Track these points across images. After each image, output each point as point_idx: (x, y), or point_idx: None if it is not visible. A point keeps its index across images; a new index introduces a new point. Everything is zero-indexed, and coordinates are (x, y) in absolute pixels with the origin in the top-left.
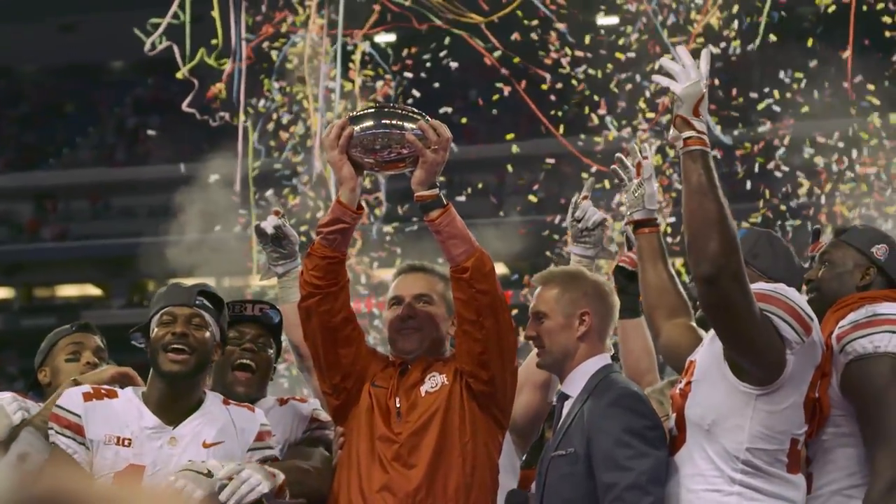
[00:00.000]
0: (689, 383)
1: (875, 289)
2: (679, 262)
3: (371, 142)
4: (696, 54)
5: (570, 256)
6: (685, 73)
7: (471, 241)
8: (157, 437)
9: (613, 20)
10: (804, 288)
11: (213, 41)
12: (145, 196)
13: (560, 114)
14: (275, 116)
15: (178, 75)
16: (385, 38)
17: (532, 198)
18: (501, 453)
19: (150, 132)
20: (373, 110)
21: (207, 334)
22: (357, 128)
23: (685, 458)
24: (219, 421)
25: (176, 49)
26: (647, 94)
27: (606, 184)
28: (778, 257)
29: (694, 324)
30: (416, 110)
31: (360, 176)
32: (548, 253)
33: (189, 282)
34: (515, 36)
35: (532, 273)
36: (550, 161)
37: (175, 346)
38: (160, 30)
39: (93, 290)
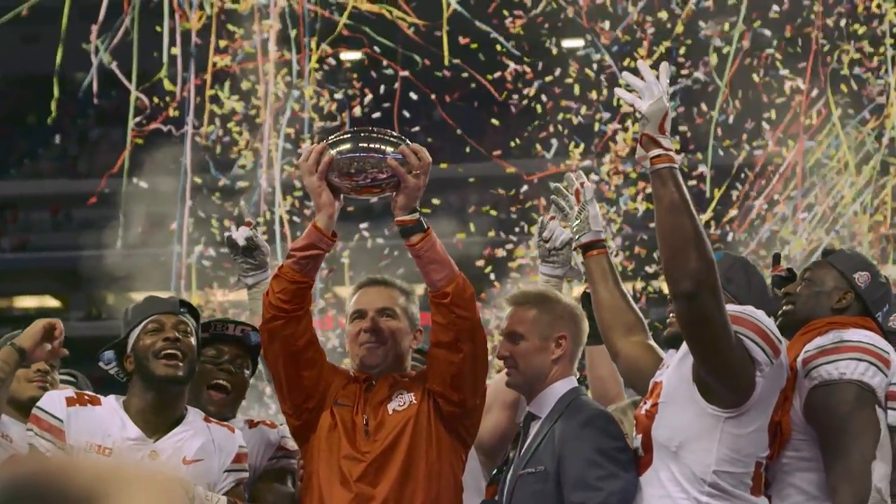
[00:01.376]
0: (655, 405)
1: (850, 314)
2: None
3: (349, 166)
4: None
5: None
6: (648, 89)
7: (451, 266)
8: (138, 449)
9: (578, 42)
10: (782, 302)
11: (161, 52)
12: (106, 208)
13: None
14: (221, 133)
15: (131, 97)
16: (350, 55)
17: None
18: (468, 473)
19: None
20: (350, 134)
21: (194, 341)
22: (335, 152)
23: (652, 479)
24: (200, 438)
25: (116, 69)
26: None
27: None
28: (751, 284)
29: (652, 342)
30: (395, 134)
31: (339, 202)
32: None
33: (142, 295)
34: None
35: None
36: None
37: (168, 351)
38: (126, 35)
39: (51, 302)
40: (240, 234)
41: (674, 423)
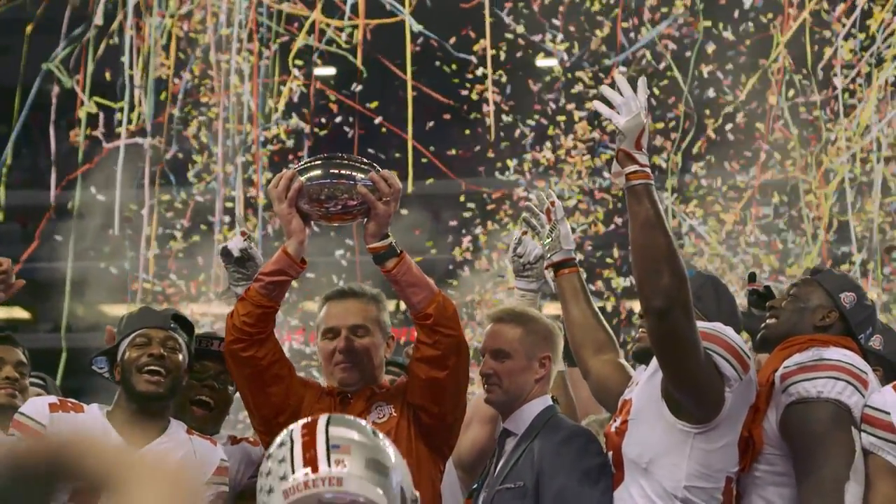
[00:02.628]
0: (625, 422)
1: (832, 333)
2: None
3: (319, 192)
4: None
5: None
6: (626, 105)
7: (430, 287)
8: None
9: (552, 62)
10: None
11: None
12: (77, 220)
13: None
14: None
15: (82, 112)
16: (324, 71)
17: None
18: (446, 488)
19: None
20: (321, 161)
21: (181, 357)
22: (305, 178)
23: (623, 495)
24: (182, 449)
25: (77, 87)
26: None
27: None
28: (721, 303)
29: (622, 360)
30: (365, 160)
31: (309, 228)
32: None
33: (122, 309)
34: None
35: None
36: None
37: (151, 367)
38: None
39: (20, 314)
40: (235, 244)
41: (643, 440)
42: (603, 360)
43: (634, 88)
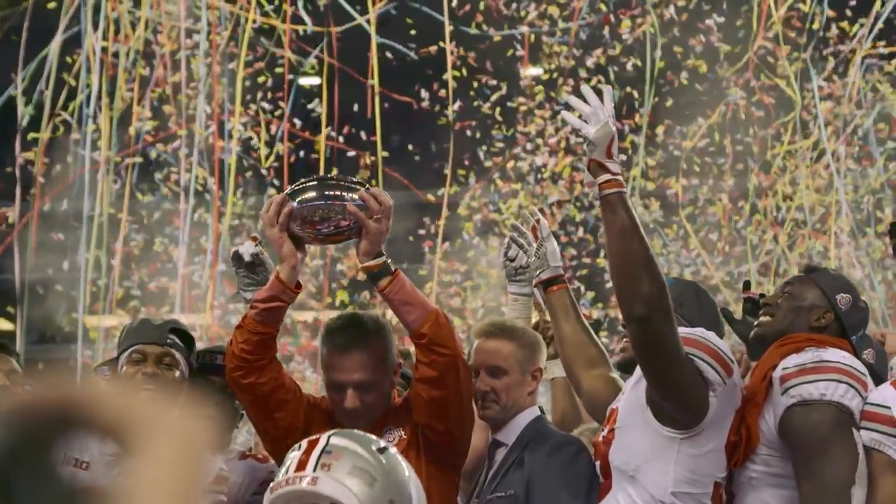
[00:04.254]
0: (612, 430)
1: (827, 335)
2: None
3: (312, 214)
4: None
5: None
6: (594, 114)
7: (424, 305)
8: (116, 464)
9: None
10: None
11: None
12: (59, 230)
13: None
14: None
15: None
16: (310, 80)
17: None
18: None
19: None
20: (313, 183)
21: (177, 374)
22: (297, 201)
23: (611, 503)
24: None
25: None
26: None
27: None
28: (703, 308)
29: (614, 374)
30: (355, 179)
31: (302, 252)
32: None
33: (110, 320)
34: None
35: None
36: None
37: (145, 386)
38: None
39: (5, 325)
40: (246, 249)
41: (630, 447)
42: (594, 375)
43: (601, 98)
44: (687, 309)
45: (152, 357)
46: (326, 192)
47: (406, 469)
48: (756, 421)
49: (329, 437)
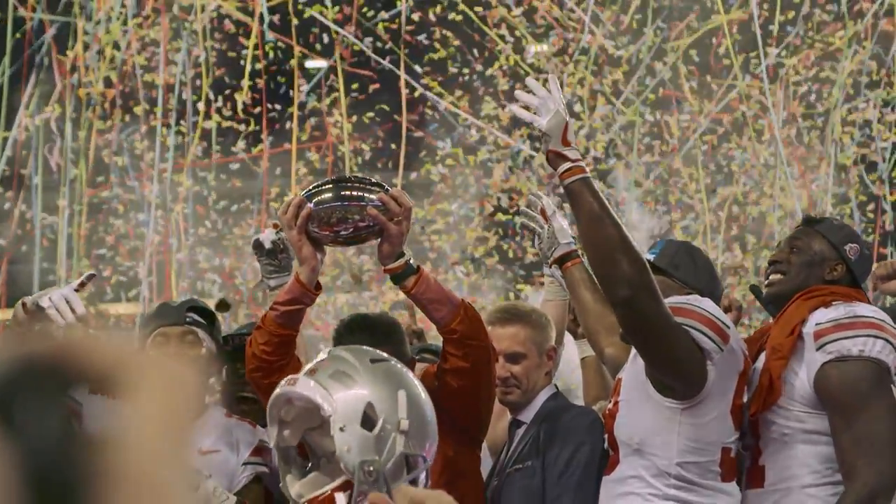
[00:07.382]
0: (616, 403)
1: (841, 286)
2: None
3: (329, 215)
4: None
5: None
6: (544, 105)
7: (452, 301)
8: (108, 410)
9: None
10: (768, 269)
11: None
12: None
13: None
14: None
15: None
16: (315, 63)
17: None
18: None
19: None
20: (331, 184)
21: (203, 349)
22: (314, 203)
23: (619, 476)
24: (217, 430)
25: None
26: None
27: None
28: (699, 268)
29: None
30: (373, 180)
31: (322, 254)
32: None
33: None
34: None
35: None
36: None
37: None
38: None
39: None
40: (266, 237)
41: (633, 420)
42: (615, 343)
43: (547, 87)
44: (683, 271)
45: (175, 338)
46: (343, 193)
47: (407, 385)
48: (780, 375)
49: (334, 348)
